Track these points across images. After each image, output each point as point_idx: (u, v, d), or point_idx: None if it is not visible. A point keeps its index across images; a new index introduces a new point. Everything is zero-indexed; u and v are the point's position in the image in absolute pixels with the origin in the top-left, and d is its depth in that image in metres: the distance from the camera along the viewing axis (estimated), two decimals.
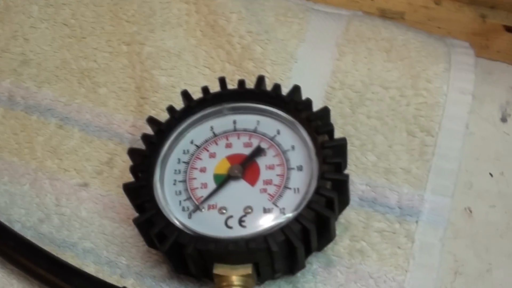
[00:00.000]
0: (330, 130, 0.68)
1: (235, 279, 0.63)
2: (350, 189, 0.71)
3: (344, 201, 0.69)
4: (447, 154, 0.74)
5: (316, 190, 0.63)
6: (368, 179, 0.73)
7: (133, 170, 0.68)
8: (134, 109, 0.81)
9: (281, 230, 0.62)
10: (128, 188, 0.67)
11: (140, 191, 0.66)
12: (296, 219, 0.62)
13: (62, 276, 0.66)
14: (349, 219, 0.71)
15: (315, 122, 0.68)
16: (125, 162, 0.77)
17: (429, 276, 0.67)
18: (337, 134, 0.74)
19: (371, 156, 0.75)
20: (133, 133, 0.79)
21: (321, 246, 0.69)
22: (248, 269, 0.63)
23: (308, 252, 0.66)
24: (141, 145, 0.75)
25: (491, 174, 0.74)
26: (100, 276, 0.70)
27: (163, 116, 0.75)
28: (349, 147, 0.74)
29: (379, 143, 0.76)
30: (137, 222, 0.64)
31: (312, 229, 0.62)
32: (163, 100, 0.80)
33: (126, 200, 0.69)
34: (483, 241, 0.70)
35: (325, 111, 0.69)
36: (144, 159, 0.68)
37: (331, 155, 0.65)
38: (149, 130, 0.75)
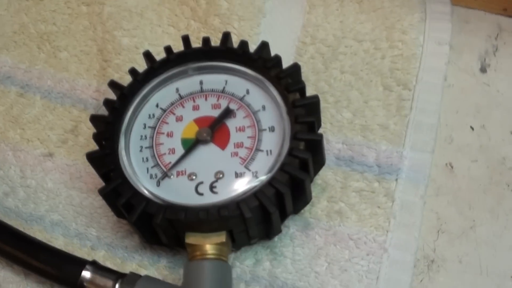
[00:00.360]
0: (301, 88, 0.64)
1: (209, 248, 0.59)
2: (325, 148, 0.67)
3: (319, 161, 0.65)
4: (426, 108, 0.71)
5: (289, 152, 0.60)
6: (344, 137, 0.70)
7: (97, 138, 0.64)
8: (97, 73, 0.77)
9: (254, 195, 0.58)
10: (92, 158, 0.63)
11: (104, 160, 0.62)
12: (270, 183, 0.58)
13: (28, 252, 0.62)
14: (326, 180, 0.67)
15: (285, 80, 0.64)
16: (91, 129, 0.72)
17: (410, 235, 0.64)
18: (310, 91, 0.70)
19: (347, 113, 0.71)
20: (97, 99, 0.75)
21: (297, 209, 0.65)
22: (221, 237, 0.60)
23: (284, 216, 0.63)
24: (105, 112, 0.71)
25: (472, 128, 0.70)
26: (70, 249, 0.67)
27: (127, 80, 0.70)
28: (323, 104, 0.71)
29: (354, 99, 0.72)
30: (103, 193, 0.60)
31: (287, 192, 0.59)
32: (127, 63, 0.76)
33: (93, 169, 0.66)
34: (465, 198, 0.67)
35: (295, 68, 0.65)
36: (108, 126, 0.64)
37: (303, 114, 0.62)
38: (113, 95, 0.71)
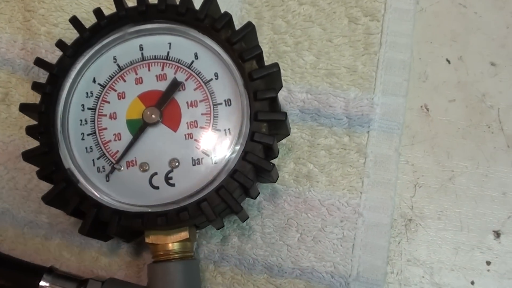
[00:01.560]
0: (258, 55, 0.53)
1: (172, 246, 0.53)
2: (288, 100, 0.59)
3: (283, 133, 0.56)
4: (397, 41, 0.60)
5: (251, 137, 0.51)
6: (308, 86, 0.60)
7: (31, 132, 0.54)
8: (20, 25, 0.64)
9: (216, 192, 0.50)
10: (29, 158, 0.53)
11: (43, 159, 0.53)
12: (232, 177, 0.51)
13: None
14: (291, 138, 0.59)
15: (238, 45, 0.53)
16: (24, 96, 0.62)
17: (386, 194, 0.57)
18: (266, 31, 0.60)
19: (309, 56, 0.61)
20: (25, 58, 0.63)
21: (262, 182, 0.58)
22: (184, 233, 0.53)
23: (247, 194, 0.56)
24: (36, 75, 0.60)
25: (448, 61, 0.61)
26: (21, 240, 0.59)
27: (58, 33, 0.60)
28: (282, 47, 0.61)
29: (316, 37, 0.61)
30: (46, 201, 0.52)
31: (251, 185, 0.51)
32: (53, 12, 0.63)
33: (33, 145, 0.57)
34: (443, 145, 0.59)
35: (248, 28, 0.53)
36: (41, 117, 0.54)
37: (262, 89, 0.52)
38: (44, 54, 0.60)
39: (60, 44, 0.55)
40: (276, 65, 0.52)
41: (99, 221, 0.51)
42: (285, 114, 0.52)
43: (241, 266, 0.57)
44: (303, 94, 0.60)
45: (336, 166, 0.58)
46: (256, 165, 0.51)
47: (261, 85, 0.52)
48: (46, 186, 0.57)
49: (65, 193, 0.52)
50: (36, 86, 0.54)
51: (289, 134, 0.56)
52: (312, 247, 0.57)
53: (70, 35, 0.62)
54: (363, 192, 0.58)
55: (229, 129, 0.52)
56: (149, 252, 0.57)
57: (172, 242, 0.52)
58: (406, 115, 0.60)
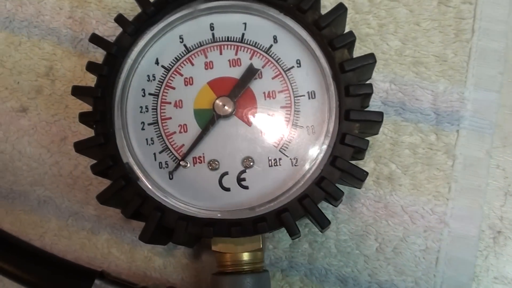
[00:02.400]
0: (350, 43, 0.45)
1: (242, 256, 0.45)
2: None
3: (372, 133, 0.48)
4: (491, 28, 0.52)
5: (341, 139, 0.43)
6: (393, 75, 0.52)
7: (84, 120, 0.46)
8: None
9: (299, 202, 0.43)
10: (82, 149, 0.45)
11: (98, 152, 0.45)
12: (318, 185, 0.43)
13: (21, 266, 0.47)
14: None
15: (328, 30, 0.45)
16: (71, 71, 0.54)
17: (475, 202, 0.50)
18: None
19: (394, 41, 0.52)
20: (73, 28, 0.54)
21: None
22: (257, 243, 0.46)
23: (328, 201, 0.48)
24: (85, 48, 0.52)
25: None
26: (65, 234, 0.52)
27: (111, 1, 0.51)
28: (364, 29, 0.52)
29: (402, 19, 0.52)
30: (103, 200, 0.45)
31: (341, 196, 0.44)
32: None
33: (80, 126, 0.49)
34: None
35: (340, 11, 0.45)
36: (97, 103, 0.46)
37: (355, 83, 0.44)
38: (94, 24, 0.52)
39: (120, 19, 0.46)
40: (372, 56, 0.44)
41: (161, 226, 0.44)
42: (382, 114, 0.44)
43: (312, 277, 0.50)
44: (386, 84, 0.52)
45: (422, 168, 0.50)
46: (347, 172, 0.43)
47: (353, 78, 0.44)
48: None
49: (123, 192, 0.44)
50: (91, 67, 0.45)
51: (377, 134, 0.49)
52: (392, 259, 0.49)
53: (124, 4, 0.54)
54: (450, 199, 0.50)
55: (312, 127, 0.44)
56: (208, 254, 0.50)
57: (243, 252, 0.46)
58: (499, 113, 0.52)
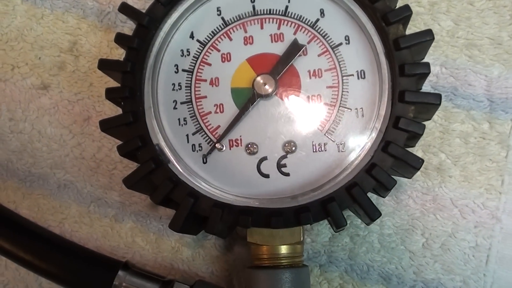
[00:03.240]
0: (406, 17, 0.40)
1: (280, 249, 0.40)
2: None
3: (425, 119, 0.42)
4: None
5: (394, 122, 0.38)
6: (444, 58, 0.47)
7: (112, 96, 0.40)
8: None
9: (346, 190, 0.38)
10: (108, 128, 0.40)
11: (125, 132, 0.40)
12: (368, 172, 0.38)
13: (40, 255, 0.41)
14: None
15: (381, 3, 0.39)
16: (96, 47, 0.49)
17: None
18: None
19: (446, 21, 0.47)
20: (99, 1, 0.49)
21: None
22: (298, 235, 0.41)
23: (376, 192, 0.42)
24: (112, 22, 0.47)
25: None
26: (86, 221, 0.47)
27: None
28: (414, 7, 0.47)
29: None
30: (130, 184, 0.39)
31: (393, 185, 0.39)
32: None
33: (105, 106, 0.44)
34: None
35: None
36: (126, 78, 0.41)
37: (410, 61, 0.39)
38: None
39: None
40: (430, 32, 0.39)
41: (192, 213, 0.39)
42: (440, 97, 0.38)
43: (353, 273, 0.45)
44: (436, 67, 0.46)
45: (473, 158, 0.45)
46: (400, 159, 0.38)
47: (408, 57, 0.39)
48: (119, 157, 0.45)
49: (152, 176, 0.39)
50: (120, 39, 0.40)
51: (429, 119, 0.44)
52: (439, 256, 0.44)
53: None
54: (503, 193, 0.45)
55: (361, 109, 0.39)
56: (241, 245, 0.46)
57: (282, 245, 0.41)
58: None
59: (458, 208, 0.45)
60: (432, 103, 0.38)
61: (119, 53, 0.47)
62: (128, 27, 0.48)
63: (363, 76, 0.40)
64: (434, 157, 0.46)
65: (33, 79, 0.49)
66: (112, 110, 0.46)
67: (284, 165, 0.40)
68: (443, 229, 0.45)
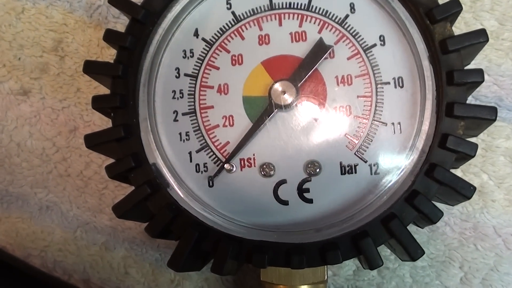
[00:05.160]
0: (455, 14, 0.31)
1: None
2: None
3: (473, 135, 0.34)
4: None
5: (441, 141, 0.30)
6: (486, 63, 0.39)
7: (99, 106, 0.32)
8: None
9: (383, 224, 0.30)
10: (95, 145, 0.32)
11: (116, 149, 0.32)
12: (410, 202, 0.30)
13: None
14: None
15: None
16: (85, 46, 0.40)
17: None
18: None
19: (490, 20, 0.39)
20: None
21: None
22: (321, 274, 0.33)
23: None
24: (103, 17, 0.39)
25: None
26: (72, 248, 0.38)
27: None
28: None
29: None
30: (121, 213, 0.31)
31: (439, 217, 0.30)
32: None
33: (95, 115, 0.36)
34: None
35: None
36: (117, 84, 0.32)
37: (460, 67, 0.31)
38: None
39: None
40: (484, 33, 0.31)
41: (197, 248, 0.31)
42: (495, 111, 0.30)
43: None
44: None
45: None
46: (448, 186, 0.30)
47: (457, 62, 0.31)
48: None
49: (148, 203, 0.31)
50: (110, 37, 0.32)
51: (476, 136, 0.36)
52: None
53: None
54: None
55: (399, 124, 0.32)
56: (253, 278, 0.38)
57: (302, 285, 0.33)
58: None
59: (502, 238, 0.37)
60: (486, 118, 0.30)
61: (111, 54, 0.39)
62: (121, 23, 0.40)
63: (401, 85, 0.32)
64: (476, 178, 0.38)
65: (11, 83, 0.40)
66: (103, 120, 0.38)
67: (307, 190, 0.32)
68: (485, 262, 0.37)
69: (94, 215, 0.39)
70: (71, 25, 0.40)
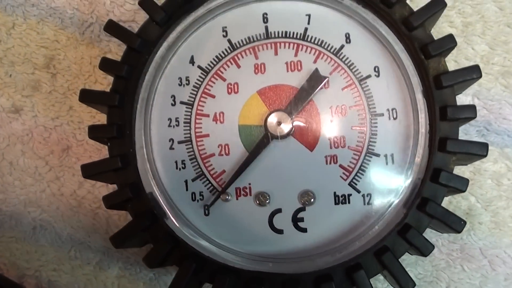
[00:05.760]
0: (450, 49, 0.32)
1: None
2: None
3: (463, 165, 0.35)
4: None
5: (433, 176, 0.30)
6: (477, 87, 0.38)
7: (96, 135, 0.32)
8: None
9: (376, 256, 0.31)
10: (92, 175, 0.31)
11: (113, 178, 0.32)
12: (402, 236, 0.30)
13: None
14: None
15: (421, 31, 0.31)
16: (77, 64, 0.39)
17: None
18: (423, 2, 0.37)
19: (481, 45, 0.39)
20: (80, 10, 0.39)
21: None
22: None
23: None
24: (95, 35, 0.38)
25: None
26: (66, 268, 0.38)
27: None
28: (446, 27, 0.39)
29: (491, 18, 0.38)
30: (118, 243, 0.31)
31: (430, 251, 0.31)
32: None
33: (87, 135, 0.36)
34: None
35: (437, 7, 0.31)
36: (113, 113, 0.32)
37: (453, 103, 0.31)
38: (108, 6, 0.38)
39: (146, 3, 0.32)
40: (477, 70, 0.31)
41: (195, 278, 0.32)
42: (487, 147, 0.31)
43: None
44: (468, 97, 0.38)
45: (506, 203, 0.37)
46: (439, 220, 0.30)
47: (450, 97, 0.31)
48: (104, 191, 0.37)
49: (148, 235, 0.31)
50: (106, 66, 0.32)
51: (466, 165, 0.36)
52: None
53: None
54: None
55: (392, 156, 0.32)
56: None
57: None
58: None
59: (488, 259, 0.37)
60: (478, 154, 0.31)
61: (103, 73, 0.38)
62: (115, 41, 0.39)
63: (394, 116, 0.32)
64: (463, 201, 0.38)
65: (3, 100, 0.39)
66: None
67: (301, 219, 0.32)
68: (471, 282, 0.37)
69: (88, 234, 0.38)
70: (63, 42, 0.39)
